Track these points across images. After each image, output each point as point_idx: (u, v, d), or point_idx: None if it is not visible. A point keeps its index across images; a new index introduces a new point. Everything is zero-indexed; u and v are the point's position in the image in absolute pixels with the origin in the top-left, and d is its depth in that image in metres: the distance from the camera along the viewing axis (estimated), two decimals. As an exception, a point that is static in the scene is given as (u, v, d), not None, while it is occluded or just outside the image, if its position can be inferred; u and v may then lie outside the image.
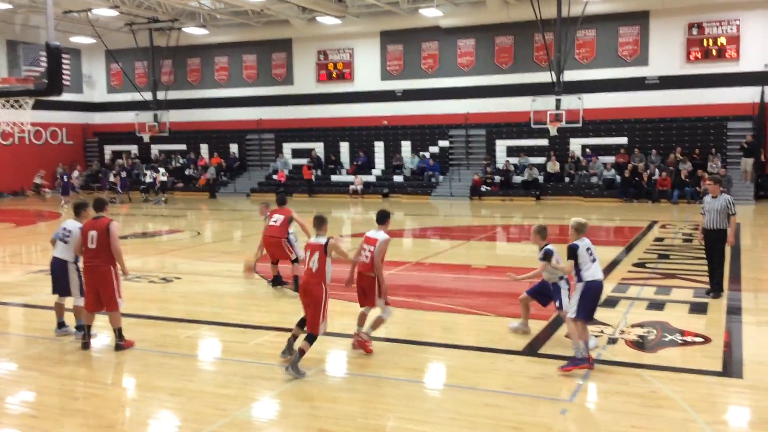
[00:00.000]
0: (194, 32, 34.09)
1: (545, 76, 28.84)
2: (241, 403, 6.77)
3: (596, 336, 8.69)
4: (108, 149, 39.08)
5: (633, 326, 9.18)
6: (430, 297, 11.34)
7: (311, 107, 34.57)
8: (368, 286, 8.15)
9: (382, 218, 8.32)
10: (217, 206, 29.59)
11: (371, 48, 33.54)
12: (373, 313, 8.38)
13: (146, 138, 35.68)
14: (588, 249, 7.73)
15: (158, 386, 7.22)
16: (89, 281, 8.44)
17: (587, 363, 7.39)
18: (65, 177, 31.31)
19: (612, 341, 8.54)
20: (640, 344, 8.47)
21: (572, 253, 7.66)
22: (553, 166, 29.71)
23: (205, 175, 34.57)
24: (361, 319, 8.35)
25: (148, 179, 32.50)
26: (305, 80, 34.93)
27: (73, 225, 8.81)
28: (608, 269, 13.27)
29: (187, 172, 35.60)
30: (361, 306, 8.38)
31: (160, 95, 35.71)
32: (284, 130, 35.35)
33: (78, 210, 8.94)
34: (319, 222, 7.93)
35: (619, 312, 10.01)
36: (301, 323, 7.84)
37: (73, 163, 37.22)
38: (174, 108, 35.63)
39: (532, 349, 8.30)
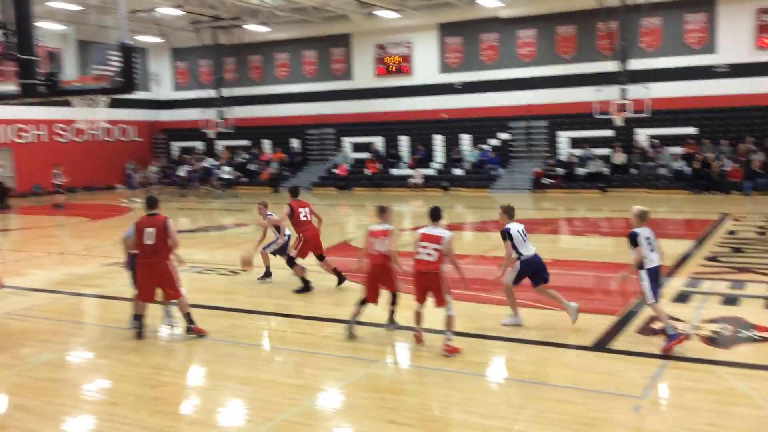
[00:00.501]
0: (256, 29, 34.63)
1: (609, 66, 28.22)
2: (310, 393, 6.88)
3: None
4: (175, 145, 40.10)
5: (706, 322, 8.92)
6: (494, 290, 11.25)
7: (370, 101, 34.68)
8: (433, 285, 7.99)
9: (439, 215, 8.33)
10: (280, 200, 30.04)
11: (430, 41, 33.40)
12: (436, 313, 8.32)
13: (211, 134, 36.51)
14: (647, 238, 7.99)
15: (230, 375, 7.41)
16: (148, 276, 8.64)
17: (682, 337, 7.80)
18: (135, 173, 32.33)
19: (686, 337, 8.31)
20: (714, 340, 8.23)
21: (634, 239, 7.99)
22: (619, 158, 29.04)
23: (268, 170, 35.11)
24: (418, 318, 8.22)
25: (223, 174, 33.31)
26: (364, 75, 35.06)
27: None
28: (679, 263, 12.93)
29: (250, 167, 36.22)
30: (422, 303, 8.23)
31: (224, 92, 36.48)
32: (344, 125, 35.58)
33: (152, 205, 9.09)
34: (381, 211, 8.83)
35: (691, 307, 9.75)
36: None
37: (149, 160, 38.38)
38: (237, 104, 36.33)
39: (601, 345, 8.16)
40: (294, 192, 11.66)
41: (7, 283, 11.66)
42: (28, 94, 9.94)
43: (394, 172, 33.26)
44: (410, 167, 32.79)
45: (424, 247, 8.03)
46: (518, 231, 8.90)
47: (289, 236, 11.96)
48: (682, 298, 10.31)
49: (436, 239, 8.00)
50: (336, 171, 34.13)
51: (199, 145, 38.94)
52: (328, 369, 7.57)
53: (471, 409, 6.37)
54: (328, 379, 7.26)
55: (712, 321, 8.95)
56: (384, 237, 8.51)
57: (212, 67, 36.75)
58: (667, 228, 19.65)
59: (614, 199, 26.13)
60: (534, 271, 8.93)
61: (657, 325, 8.75)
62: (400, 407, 6.45)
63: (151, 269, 8.58)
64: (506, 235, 8.81)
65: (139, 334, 8.77)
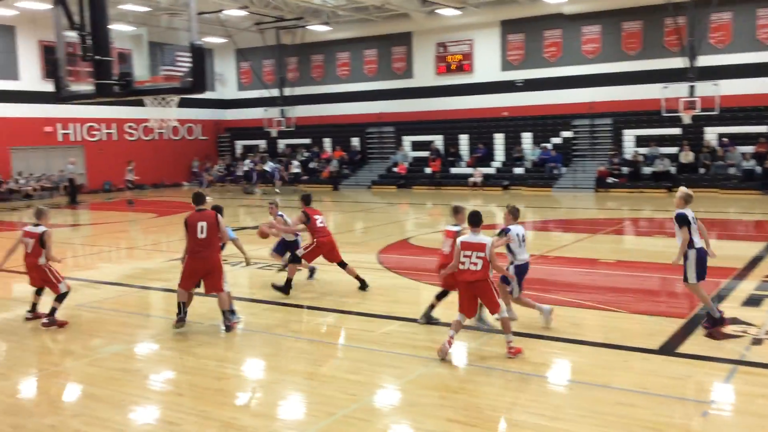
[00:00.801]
0: (318, 29, 35.00)
1: (677, 62, 27.42)
2: (371, 389, 6.92)
3: (739, 336, 8.21)
4: (239, 144, 40.89)
5: (780, 326, 8.58)
6: (556, 291, 11.09)
7: (430, 100, 34.62)
8: (484, 293, 7.74)
9: (479, 220, 7.85)
10: (340, 198, 30.28)
11: (491, 38, 33.11)
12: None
13: (274, 133, 37.09)
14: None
15: (291, 369, 7.52)
16: (196, 267, 8.93)
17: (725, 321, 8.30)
18: (206, 169, 33.07)
19: (756, 342, 8.03)
20: (788, 346, 7.91)
21: (683, 220, 8.61)
22: (686, 157, 28.19)
23: (328, 168, 35.44)
24: (457, 326, 7.85)
25: (295, 169, 33.80)
26: (424, 73, 35.02)
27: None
28: (750, 266, 12.49)
29: (311, 165, 36.64)
30: (470, 316, 7.96)
31: (286, 91, 36.99)
32: (404, 123, 35.62)
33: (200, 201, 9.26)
34: (455, 211, 8.87)
35: (763, 311, 9.40)
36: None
37: (214, 158, 39.29)
38: (299, 103, 36.80)
39: (668, 348, 7.94)
40: (306, 200, 11.46)
41: (79, 276, 12.13)
42: (103, 94, 10.29)
43: (454, 170, 33.11)
44: (469, 165, 32.59)
45: (467, 256, 7.69)
46: (517, 234, 8.82)
47: (298, 236, 11.98)
48: (753, 301, 9.96)
49: (479, 247, 7.69)
50: (395, 169, 34.21)
51: (261, 143, 39.61)
52: (388, 366, 7.59)
53: (534, 410, 6.29)
54: (388, 376, 7.28)
55: (787, 326, 8.61)
56: (449, 238, 8.66)
57: (275, 66, 37.30)
58: (737, 229, 18.98)
59: (681, 200, 25.35)
60: (705, 261, 8.70)
61: (728, 329, 8.47)
62: (460, 406, 6.42)
63: (204, 261, 8.88)
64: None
65: (181, 321, 9.00)
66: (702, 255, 8.64)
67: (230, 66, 41.18)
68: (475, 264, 7.63)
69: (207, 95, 38.61)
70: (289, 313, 10.10)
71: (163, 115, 11.84)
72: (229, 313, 9.13)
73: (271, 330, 9.11)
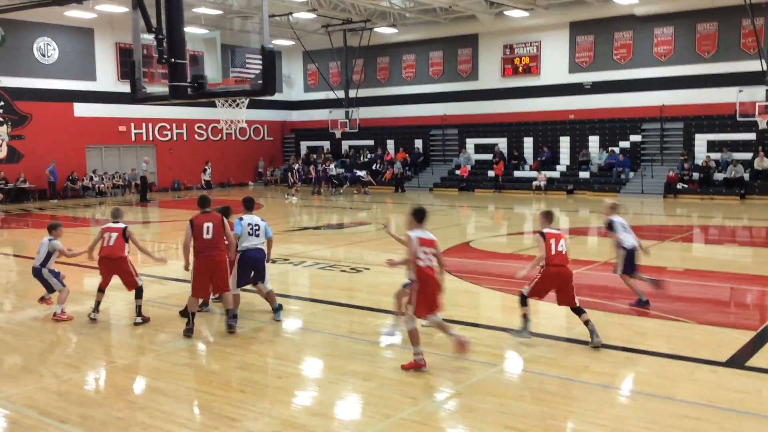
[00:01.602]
0: (384, 31, 35.19)
1: (753, 65, 26.45)
2: (429, 393, 6.92)
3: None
4: (304, 145, 41.49)
5: None
6: (620, 299, 10.84)
7: (495, 102, 34.35)
8: (440, 289, 7.56)
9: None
10: (403, 200, 30.36)
11: (559, 40, 32.63)
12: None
13: (338, 134, 37.48)
14: (621, 222, 10.10)
15: (350, 370, 7.58)
16: (205, 269, 8.93)
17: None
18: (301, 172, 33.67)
19: (834, 358, 7.68)
20: None
21: (610, 226, 10.10)
22: (761, 163, 27.13)
23: (391, 170, 35.56)
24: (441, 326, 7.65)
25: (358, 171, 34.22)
26: (490, 75, 34.77)
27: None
28: (828, 278, 11.93)
29: (374, 167, 36.86)
30: (433, 314, 7.61)
31: (351, 93, 37.32)
32: (468, 126, 35.44)
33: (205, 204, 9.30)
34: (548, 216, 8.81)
35: (842, 326, 8.96)
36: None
37: (279, 159, 39.96)
38: (363, 105, 37.08)
39: (737, 361, 7.67)
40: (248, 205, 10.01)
41: (147, 272, 12.52)
42: (177, 96, 10.61)
43: (517, 174, 32.75)
44: (533, 169, 32.17)
45: (426, 252, 7.43)
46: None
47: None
48: (832, 316, 9.50)
49: (433, 243, 7.53)
50: (458, 172, 34.06)
51: (326, 144, 40.06)
52: (446, 370, 7.58)
53: (594, 420, 6.18)
54: (447, 380, 7.27)
55: None
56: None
57: (341, 68, 37.70)
58: (816, 239, 18.18)
59: (755, 207, 24.46)
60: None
61: (802, 344, 8.14)
62: (519, 413, 6.36)
63: (209, 261, 8.90)
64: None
65: (189, 332, 8.90)
66: (631, 253, 9.96)
67: (297, 68, 41.82)
68: (431, 260, 7.43)
69: (274, 97, 39.34)
70: (349, 314, 10.19)
71: (233, 116, 12.13)
72: (231, 314, 9.10)
73: (331, 330, 9.21)
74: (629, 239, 10.04)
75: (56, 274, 10.16)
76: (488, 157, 33.99)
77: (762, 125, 26.16)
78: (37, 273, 10.10)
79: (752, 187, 26.84)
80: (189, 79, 10.33)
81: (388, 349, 8.61)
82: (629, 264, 10.01)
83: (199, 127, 36.89)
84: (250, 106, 12.81)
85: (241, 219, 9.54)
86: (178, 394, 7.01)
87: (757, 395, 6.71)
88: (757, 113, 25.89)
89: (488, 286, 11.91)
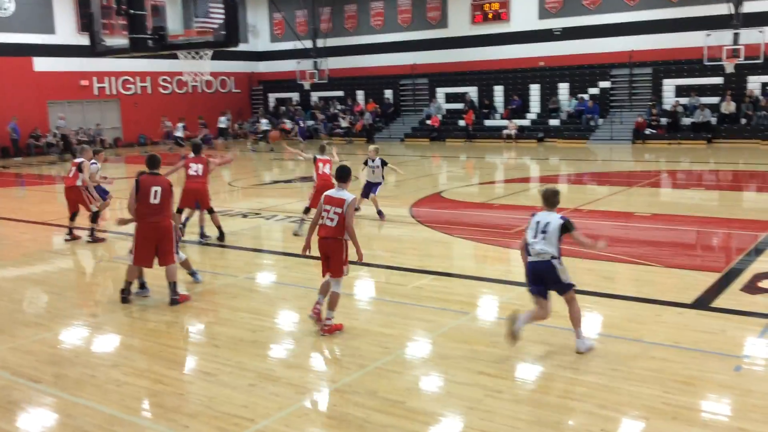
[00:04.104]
0: (350, -22, 34.47)
1: (721, 8, 26.48)
2: (402, 342, 7.01)
3: (776, 291, 8.09)
4: (272, 97, 40.87)
5: (819, 282, 8.43)
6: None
7: (465, 50, 34.02)
8: (333, 252, 7.19)
9: (346, 176, 7.28)
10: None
11: (529, -15, 32.26)
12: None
13: (307, 86, 36.95)
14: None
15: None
16: (150, 236, 8.28)
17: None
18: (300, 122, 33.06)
19: (794, 297, 7.91)
20: (827, 301, 7.78)
21: None
22: (728, 107, 27.42)
23: (361, 121, 35.28)
24: (325, 288, 7.40)
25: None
26: (460, 22, 34.36)
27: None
28: (791, 219, 12.22)
29: (343, 118, 36.53)
30: (324, 274, 7.39)
31: (320, 43, 36.67)
32: (438, 75, 35.15)
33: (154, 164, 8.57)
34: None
35: (803, 266, 9.22)
36: None
37: (247, 111, 39.28)
38: (332, 55, 36.51)
39: (702, 303, 7.87)
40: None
41: (117, 229, 12.39)
42: (137, 49, 10.34)
43: (488, 123, 32.72)
44: (504, 118, 32.16)
45: (326, 211, 7.16)
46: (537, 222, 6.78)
47: None
48: (793, 256, 9.76)
49: (340, 202, 7.14)
50: (429, 122, 33.92)
51: (294, 96, 39.52)
52: (419, 319, 7.67)
53: (564, 364, 6.32)
54: (420, 330, 7.36)
55: (827, 281, 8.45)
56: None
57: (308, 17, 36.95)
58: (779, 182, 18.54)
59: (721, 151, 24.82)
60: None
61: (764, 284, 8.37)
62: (490, 359, 6.47)
63: (156, 228, 8.27)
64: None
65: (124, 299, 8.48)
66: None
67: (263, 17, 40.91)
68: (332, 220, 7.10)
69: (239, 47, 38.38)
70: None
71: (197, 68, 11.88)
72: (175, 286, 8.43)
73: (304, 283, 9.24)
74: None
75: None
76: (459, 106, 33.85)
77: (729, 69, 26.35)
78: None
79: (719, 131, 27.16)
80: (150, 31, 10.05)
81: (361, 301, 8.67)
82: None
83: (163, 80, 36.10)
84: (215, 57, 12.54)
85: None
86: (151, 350, 7.01)
87: (721, 335, 6.90)
88: (724, 57, 26.04)
89: (460, 236, 11.99)
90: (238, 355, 6.75)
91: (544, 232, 6.48)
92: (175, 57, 12.97)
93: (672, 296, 8.12)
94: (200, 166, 11.38)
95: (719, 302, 7.87)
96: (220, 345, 7.08)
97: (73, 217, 12.31)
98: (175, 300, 8.39)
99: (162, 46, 10.35)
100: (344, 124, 35.26)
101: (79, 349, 7.26)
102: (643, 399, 5.54)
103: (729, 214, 13.56)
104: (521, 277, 9.23)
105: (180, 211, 11.31)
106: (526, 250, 6.65)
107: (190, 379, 6.26)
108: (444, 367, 6.40)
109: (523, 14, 32.48)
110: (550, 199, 6.71)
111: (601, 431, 5.08)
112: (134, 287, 8.70)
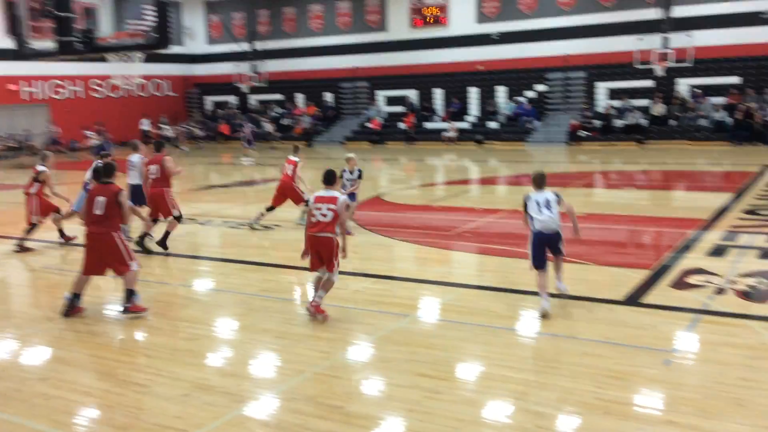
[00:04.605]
0: (288, -19, 34.25)
1: (652, 13, 27.33)
2: (342, 346, 6.97)
3: (703, 286, 8.38)
4: (208, 100, 40.24)
5: (743, 276, 8.76)
6: (526, 245, 11.18)
7: (405, 53, 34.20)
8: (325, 249, 7.60)
9: (332, 179, 7.76)
10: (313, 155, 30.07)
11: (467, -11, 32.68)
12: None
13: (245, 88, 36.52)
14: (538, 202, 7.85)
15: (263, 329, 7.53)
16: (95, 248, 8.02)
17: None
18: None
19: (720, 291, 8.20)
20: (750, 295, 8.09)
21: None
22: (658, 109, 28.33)
23: (301, 124, 35.05)
24: (318, 283, 7.77)
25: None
26: (399, 26, 34.53)
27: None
28: (716, 217, 12.67)
29: (283, 121, 36.25)
30: (314, 269, 7.77)
31: (258, 45, 36.31)
32: (378, 78, 35.23)
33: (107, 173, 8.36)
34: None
35: (727, 261, 9.57)
36: None
37: (183, 115, 38.53)
38: (271, 58, 36.21)
39: (633, 299, 8.08)
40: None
41: (46, 237, 11.98)
42: (64, 52, 10.04)
43: (428, 125, 32.97)
44: (444, 120, 32.46)
45: (318, 209, 7.58)
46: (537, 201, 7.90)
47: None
48: (718, 251, 10.13)
49: (333, 200, 7.58)
50: (369, 125, 33.97)
51: (232, 99, 39.02)
52: (359, 323, 7.64)
53: (501, 362, 6.39)
54: (359, 333, 7.33)
55: (748, 275, 8.79)
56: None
57: (245, 19, 36.54)
58: (705, 180, 19.25)
59: (652, 152, 25.61)
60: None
61: (693, 279, 8.65)
62: (430, 360, 6.49)
63: (99, 240, 7.97)
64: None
65: (68, 312, 8.08)
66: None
67: (198, 19, 40.25)
68: (325, 216, 7.51)
69: (175, 50, 37.75)
70: (261, 272, 10.08)
71: (128, 71, 11.58)
72: (131, 294, 8.08)
73: (242, 289, 9.10)
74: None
75: None
76: (400, 109, 34.01)
77: (659, 72, 27.22)
78: None
79: (650, 132, 28.02)
80: (78, 34, 9.75)
81: (302, 306, 8.59)
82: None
83: (96, 84, 35.12)
84: (149, 60, 12.28)
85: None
86: (80, 362, 6.79)
87: (651, 330, 7.10)
88: (654, 60, 26.89)
89: (401, 239, 12.02)
90: (172, 364, 6.58)
91: (548, 207, 7.69)
92: (107, 60, 12.65)
93: (604, 293, 8.32)
94: (156, 167, 11.03)
95: (649, 298, 8.10)
96: (153, 355, 6.90)
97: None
98: (126, 308, 8.02)
99: (91, 48, 10.07)
100: (269, 128, 34.23)
101: (5, 362, 6.96)
102: (576, 395, 5.64)
103: (659, 213, 14.00)
104: (462, 278, 9.42)
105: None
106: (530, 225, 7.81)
107: (120, 391, 6.07)
108: (383, 371, 6.39)
109: (462, 19, 32.86)
110: (539, 181, 7.91)
111: (536, 428, 5.15)
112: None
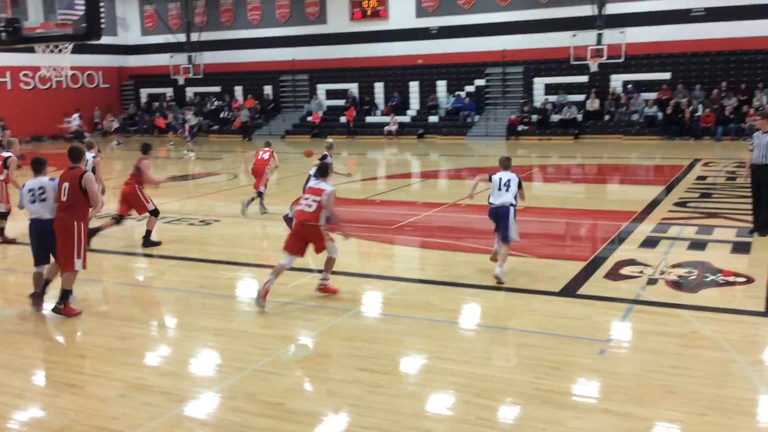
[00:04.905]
0: (226, -29, 33.64)
1: (586, 10, 27.95)
2: (283, 342, 6.91)
3: (635, 277, 8.63)
4: (144, 92, 39.25)
5: (673, 266, 9.07)
6: (467, 238, 11.34)
7: (345, 47, 34.04)
8: (312, 236, 8.02)
9: (325, 172, 8.36)
10: (253, 149, 29.67)
11: (406, -17, 32.73)
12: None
13: (181, 81, 35.76)
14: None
15: (201, 326, 7.40)
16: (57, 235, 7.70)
17: None
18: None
19: (652, 282, 8.46)
20: (680, 285, 8.38)
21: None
22: (593, 104, 29.04)
23: (239, 117, 34.53)
24: (278, 270, 7.92)
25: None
26: (339, 19, 34.34)
27: (43, 181, 7.93)
28: (648, 209, 13.07)
29: (222, 114, 35.65)
30: (292, 253, 8.00)
31: (194, 37, 35.59)
32: (318, 71, 35.00)
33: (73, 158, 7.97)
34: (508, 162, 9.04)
35: (659, 252, 9.89)
36: None
37: (117, 107, 37.47)
38: (208, 50, 35.53)
39: (569, 291, 8.27)
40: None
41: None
42: (-13, 42, 9.60)
43: (369, 119, 32.95)
44: (385, 114, 32.50)
45: (306, 198, 8.19)
46: (500, 179, 8.93)
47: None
48: (649, 243, 10.45)
49: (319, 192, 8.08)
50: (310, 118, 33.72)
51: (168, 91, 38.16)
52: (300, 318, 7.59)
53: (443, 355, 6.44)
54: (300, 329, 7.28)
55: (679, 265, 9.10)
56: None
57: (181, 9, 35.74)
58: (638, 174, 19.84)
59: (587, 146, 26.24)
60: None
61: (626, 270, 8.90)
62: (371, 354, 6.50)
63: (57, 226, 7.67)
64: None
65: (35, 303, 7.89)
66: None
67: (133, 9, 39.17)
68: (309, 206, 8.02)
69: (108, 41, 36.70)
70: (199, 269, 9.90)
71: (57, 62, 11.16)
72: (65, 295, 7.74)
73: (179, 286, 8.92)
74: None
75: None
76: (340, 102, 33.88)
77: (593, 68, 27.88)
78: None
79: (585, 127, 28.70)
80: (2, 22, 9.34)
81: (241, 303, 8.48)
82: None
83: (25, 75, 33.81)
84: (80, 51, 11.92)
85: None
86: (12, 364, 6.53)
87: (587, 320, 7.28)
88: (588, 56, 27.52)
89: (342, 233, 11.97)
90: (107, 364, 6.40)
91: (507, 186, 8.74)
92: (35, 51, 12.18)
93: (542, 285, 8.48)
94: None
95: (585, 289, 8.30)
96: (87, 355, 6.70)
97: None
98: (57, 309, 7.69)
99: (17, 39, 9.64)
100: (193, 122, 33.06)
101: (-73, 367, 6.65)
102: (515, 385, 5.74)
103: (594, 206, 14.37)
104: (403, 272, 9.47)
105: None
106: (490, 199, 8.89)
107: (54, 393, 5.87)
108: (325, 366, 6.36)
109: (401, 12, 32.91)
110: (505, 163, 9.00)
111: (476, 419, 5.21)
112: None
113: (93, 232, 10.56)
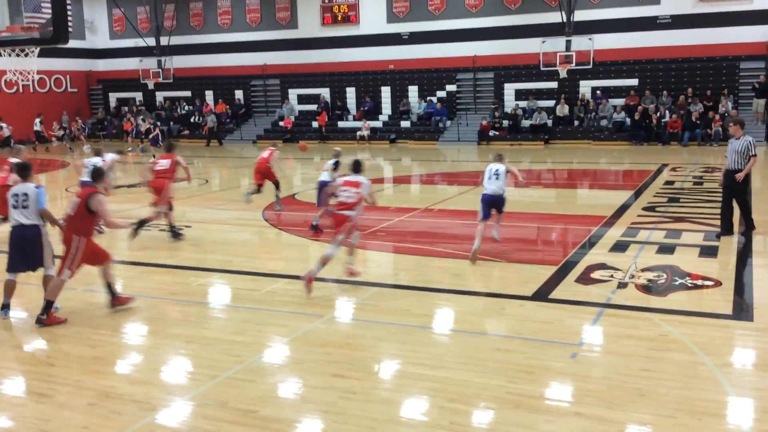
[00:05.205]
0: (196, -25, 33.42)
1: (555, 16, 28.29)
2: (256, 349, 6.86)
3: (606, 281, 8.73)
4: (113, 97, 38.79)
5: (643, 270, 9.19)
6: (439, 243, 11.37)
7: (316, 52, 34.05)
8: (342, 223, 8.75)
9: (358, 168, 9.09)
10: (224, 154, 29.49)
11: (377, -11, 32.83)
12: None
13: (151, 85, 35.41)
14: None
15: (173, 333, 7.32)
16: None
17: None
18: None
19: (622, 285, 8.57)
20: (649, 288, 8.49)
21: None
22: (562, 110, 29.37)
23: (207, 123, 34.16)
24: (325, 259, 8.63)
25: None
26: (310, 24, 34.32)
27: (27, 188, 7.84)
28: (617, 213, 13.24)
29: (192, 119, 35.34)
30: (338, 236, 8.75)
31: (164, 41, 35.28)
32: (289, 76, 34.92)
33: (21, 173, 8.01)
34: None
35: (628, 256, 10.02)
36: None
37: (86, 111, 36.93)
38: (178, 54, 35.24)
39: (541, 295, 8.33)
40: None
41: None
42: (-51, 45, 9.40)
43: (341, 124, 32.94)
44: (357, 119, 32.51)
45: (345, 190, 8.87)
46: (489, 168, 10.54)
47: None
48: (619, 247, 10.58)
49: (357, 184, 8.88)
50: (281, 123, 33.59)
51: (138, 96, 37.75)
52: (273, 325, 7.55)
53: (416, 360, 6.45)
54: (273, 335, 7.24)
55: (648, 269, 9.23)
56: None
57: (150, 13, 35.42)
58: (606, 179, 20.10)
59: (556, 151, 26.52)
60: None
61: (596, 275, 9.00)
62: (345, 360, 6.48)
63: (63, 235, 7.73)
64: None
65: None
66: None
67: (101, 13, 38.73)
68: (350, 197, 8.79)
69: (76, 44, 36.19)
70: (170, 275, 9.80)
71: (23, 66, 10.96)
72: (48, 305, 7.67)
73: (149, 293, 8.81)
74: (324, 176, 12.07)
75: None
76: (312, 107, 33.82)
77: (562, 74, 28.21)
78: None
79: (554, 132, 29.01)
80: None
81: (212, 309, 8.41)
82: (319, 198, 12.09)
83: (-10, 79, 33.23)
84: (48, 54, 11.71)
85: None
86: (-24, 374, 6.39)
87: (559, 324, 7.34)
88: (558, 63, 27.85)
89: (314, 239, 11.95)
90: (77, 373, 6.30)
91: (496, 175, 10.25)
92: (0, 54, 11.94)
93: (514, 290, 8.54)
94: (167, 162, 11.96)
95: (556, 293, 8.38)
96: (56, 363, 6.58)
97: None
98: (40, 320, 7.56)
99: (-22, 42, 9.46)
100: (144, 127, 32.36)
101: None
102: (489, 390, 5.77)
103: (564, 211, 14.51)
104: (376, 278, 9.46)
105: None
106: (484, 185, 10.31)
107: (21, 402, 5.76)
108: (298, 372, 6.33)
109: (372, 17, 33.00)
110: (497, 157, 10.71)
111: (450, 424, 5.22)
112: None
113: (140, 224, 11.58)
